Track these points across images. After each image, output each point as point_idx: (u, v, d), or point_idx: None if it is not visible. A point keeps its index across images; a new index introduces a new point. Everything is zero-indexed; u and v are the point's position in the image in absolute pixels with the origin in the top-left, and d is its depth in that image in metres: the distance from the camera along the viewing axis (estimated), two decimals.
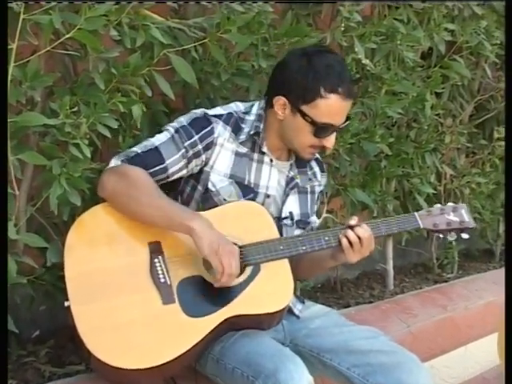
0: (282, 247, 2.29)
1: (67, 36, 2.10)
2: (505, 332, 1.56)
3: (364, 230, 2.34)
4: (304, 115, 2.31)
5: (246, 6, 2.51)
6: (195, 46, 2.52)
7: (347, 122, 2.41)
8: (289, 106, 2.34)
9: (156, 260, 2.20)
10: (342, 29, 2.99)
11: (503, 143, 4.17)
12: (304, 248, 2.33)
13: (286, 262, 2.30)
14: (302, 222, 2.53)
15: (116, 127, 2.29)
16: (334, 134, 2.38)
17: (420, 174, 3.71)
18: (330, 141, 2.37)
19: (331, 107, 2.30)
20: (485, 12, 3.71)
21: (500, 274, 4.42)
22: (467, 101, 4.14)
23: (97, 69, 2.25)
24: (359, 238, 2.32)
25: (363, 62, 3.05)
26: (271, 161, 2.45)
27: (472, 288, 4.03)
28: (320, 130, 2.33)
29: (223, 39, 2.51)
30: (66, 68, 2.41)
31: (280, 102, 2.35)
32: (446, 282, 4.24)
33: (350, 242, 2.32)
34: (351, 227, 2.34)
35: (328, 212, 3.34)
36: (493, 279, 4.25)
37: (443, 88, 3.70)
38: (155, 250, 2.22)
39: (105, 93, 2.28)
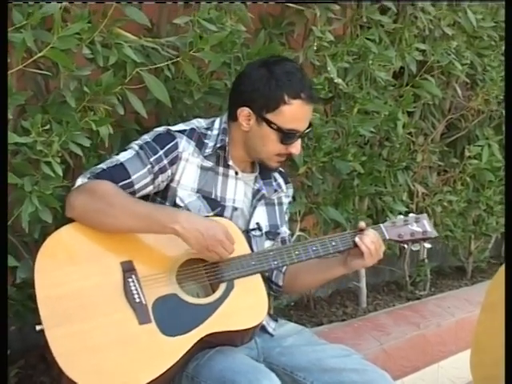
0: (253, 262, 2.30)
1: (40, 55, 2.09)
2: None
3: (372, 233, 2.40)
4: (270, 123, 2.34)
5: (218, 26, 2.52)
6: (168, 65, 2.51)
7: (310, 128, 2.45)
8: (253, 117, 2.36)
9: (130, 279, 2.18)
10: (315, 48, 3.01)
11: (474, 161, 4.20)
12: (275, 262, 2.34)
13: (258, 277, 2.31)
14: (272, 234, 2.54)
15: (88, 145, 2.29)
16: (300, 139, 2.42)
17: (392, 192, 3.73)
18: (296, 147, 2.41)
19: (295, 113, 2.35)
20: (455, 33, 3.75)
21: (472, 291, 4.46)
22: (438, 119, 4.18)
23: (68, 87, 2.25)
24: (373, 242, 2.38)
25: (336, 81, 3.07)
26: (236, 174, 2.46)
27: (444, 305, 4.04)
28: (286, 136, 2.36)
29: (196, 58, 2.52)
30: (38, 86, 2.40)
31: (244, 113, 2.36)
32: (419, 299, 4.25)
33: (367, 247, 2.37)
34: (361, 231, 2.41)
35: (301, 230, 3.34)
36: (465, 296, 4.27)
37: (415, 107, 3.73)
38: (128, 268, 2.20)
39: (77, 111, 2.28)
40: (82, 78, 2.29)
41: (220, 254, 2.20)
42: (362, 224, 2.44)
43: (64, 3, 2.18)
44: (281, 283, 2.56)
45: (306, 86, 2.37)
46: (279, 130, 2.35)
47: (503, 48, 4.20)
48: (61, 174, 2.23)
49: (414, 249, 2.57)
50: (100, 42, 2.30)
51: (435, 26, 3.65)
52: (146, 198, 2.36)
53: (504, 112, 4.36)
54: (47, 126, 2.19)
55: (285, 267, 2.51)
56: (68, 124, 2.22)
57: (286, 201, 2.64)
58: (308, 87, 2.38)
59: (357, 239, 2.39)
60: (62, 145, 2.22)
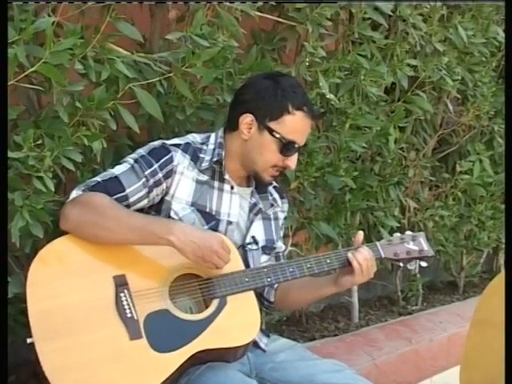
0: (247, 279, 2.30)
1: (32, 70, 2.09)
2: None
3: (367, 250, 2.40)
4: (272, 131, 2.37)
5: (210, 41, 2.53)
6: (160, 80, 2.52)
7: (304, 147, 2.49)
8: (255, 124, 2.38)
9: (122, 294, 2.17)
10: (307, 64, 3.03)
11: (465, 176, 4.22)
12: (269, 279, 2.35)
13: (251, 293, 2.31)
14: (268, 248, 2.54)
15: (80, 161, 2.29)
16: (297, 154, 2.44)
17: (384, 207, 3.74)
18: (292, 161, 2.43)
19: (297, 124, 2.38)
20: (446, 49, 3.77)
21: (463, 306, 4.47)
22: (430, 135, 4.20)
23: (61, 102, 2.25)
24: (366, 259, 2.37)
25: (327, 96, 3.08)
26: (232, 188, 2.46)
27: (436, 320, 4.05)
28: (286, 147, 2.38)
29: (188, 73, 2.53)
30: (30, 101, 2.40)
31: (247, 120, 2.38)
32: (411, 314, 4.26)
33: (359, 263, 2.36)
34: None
35: (293, 245, 3.35)
36: (457, 311, 4.28)
37: (406, 122, 3.74)
38: (120, 283, 2.19)
39: (69, 126, 2.28)
40: (74, 93, 2.29)
41: (216, 265, 2.21)
42: (360, 234, 2.45)
43: (57, 18, 2.20)
44: (272, 299, 2.55)
45: (308, 101, 2.43)
46: (280, 138, 2.37)
47: (494, 64, 4.24)
48: (52, 189, 2.23)
49: (409, 267, 2.55)
50: (92, 57, 2.31)
51: (426, 41, 3.67)
52: (140, 211, 2.35)
53: (495, 127, 4.40)
54: (39, 141, 2.19)
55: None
56: (60, 139, 2.22)
57: (281, 216, 2.64)
58: (310, 103, 2.44)
59: (349, 255, 2.39)
60: (53, 160, 2.22)
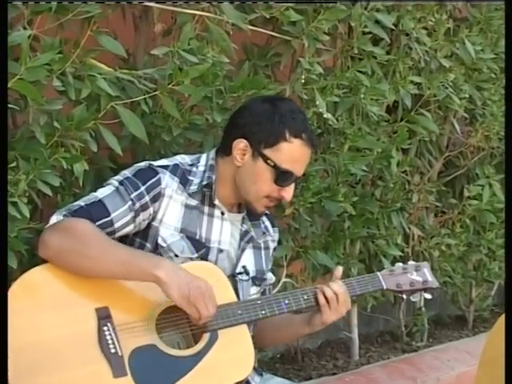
0: (240, 312, 2.30)
1: None
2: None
3: (339, 285, 2.39)
4: (266, 159, 2.37)
5: (199, 57, 2.55)
6: (145, 99, 2.53)
7: (303, 178, 2.49)
8: (250, 150, 2.38)
9: (105, 328, 2.16)
10: (303, 81, 3.05)
11: (474, 202, 4.24)
12: (263, 312, 2.35)
13: (245, 327, 2.31)
14: (258, 279, 2.54)
15: (58, 184, 2.29)
16: (293, 185, 2.43)
17: (386, 235, 3.75)
18: (288, 192, 2.42)
19: (294, 152, 2.38)
20: (452, 65, 3.81)
21: (473, 342, 4.45)
22: (435, 157, 4.23)
23: (38, 122, 2.26)
24: (335, 293, 2.36)
25: (325, 116, 3.10)
26: (222, 214, 2.46)
27: (443, 358, 4.04)
28: (281, 176, 2.38)
29: (175, 91, 2.54)
30: None
31: (241, 145, 2.39)
32: (416, 351, 4.26)
33: (326, 299, 2.36)
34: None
35: (287, 276, 3.35)
36: (466, 348, 4.27)
37: (410, 144, 3.76)
38: (103, 316, 2.18)
39: (46, 148, 2.28)
40: (52, 112, 2.30)
41: (199, 310, 2.17)
42: (339, 269, 2.45)
43: (33, 31, 2.22)
44: None
45: (307, 129, 2.43)
46: (275, 167, 2.37)
47: (504, 81, 4.27)
48: (27, 216, 2.23)
49: (413, 299, 2.57)
50: (72, 74, 2.32)
51: (431, 57, 3.71)
52: (125, 238, 2.36)
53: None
54: (13, 164, 2.20)
55: None
56: (36, 161, 2.23)
57: (272, 246, 2.65)
58: (310, 130, 2.44)
59: (317, 289, 2.40)
60: (29, 184, 2.22)
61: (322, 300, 2.37)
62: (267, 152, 2.37)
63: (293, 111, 2.41)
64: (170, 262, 2.23)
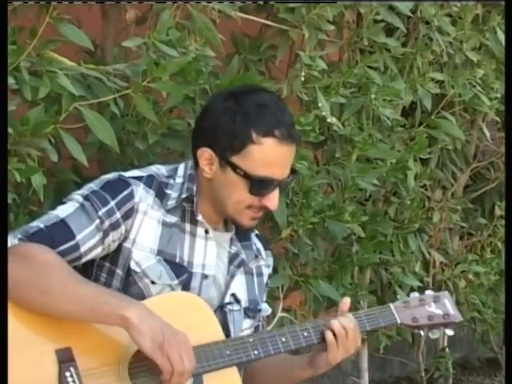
0: (228, 352, 2.30)
1: None
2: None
3: (348, 319, 2.40)
4: (235, 168, 2.35)
5: (180, 50, 2.56)
6: (115, 99, 2.55)
7: (292, 177, 2.47)
8: (216, 160, 2.36)
9: (67, 373, 2.15)
10: (302, 78, 3.06)
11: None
12: (256, 353, 2.34)
13: (234, 370, 2.32)
14: (251, 310, 2.54)
15: (10, 201, 2.30)
16: (277, 191, 2.40)
17: (402, 261, 3.75)
18: (271, 200, 2.40)
19: (267, 155, 2.34)
20: (481, 58, 3.82)
21: None
22: (461, 169, 4.24)
23: None
24: (344, 328, 2.38)
25: (329, 120, 3.11)
26: (206, 232, 2.45)
27: None
28: (256, 185, 2.36)
29: (151, 90, 2.56)
30: None
31: (205, 155, 2.37)
32: None
33: (334, 335, 2.37)
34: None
35: (284, 310, 3.35)
36: None
37: (430, 153, 3.78)
38: (65, 358, 2.17)
39: None
40: None
41: (172, 361, 2.12)
42: (346, 300, 2.46)
43: None
44: None
45: (281, 122, 2.36)
46: (246, 176, 2.35)
47: None
48: None
49: (432, 336, 2.57)
50: (27, 69, 2.33)
51: (456, 50, 3.73)
52: (92, 262, 2.36)
53: None
54: None
55: None
56: None
57: (266, 272, 2.65)
58: (286, 123, 2.38)
59: (322, 324, 2.41)
60: None
61: (329, 337, 2.38)
62: (235, 159, 2.34)
63: (260, 105, 2.36)
64: (142, 303, 2.21)
